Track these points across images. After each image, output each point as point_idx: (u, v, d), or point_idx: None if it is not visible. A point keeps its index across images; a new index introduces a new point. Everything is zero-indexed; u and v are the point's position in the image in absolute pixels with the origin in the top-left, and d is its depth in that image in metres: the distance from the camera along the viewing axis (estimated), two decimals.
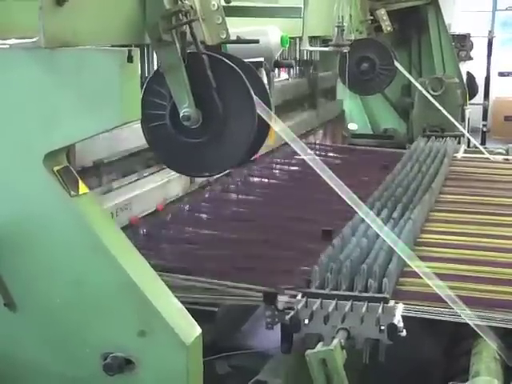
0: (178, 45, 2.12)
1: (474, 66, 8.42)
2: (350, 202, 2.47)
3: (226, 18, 2.33)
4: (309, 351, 2.09)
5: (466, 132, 5.58)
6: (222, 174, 3.45)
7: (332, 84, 5.56)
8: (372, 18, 5.58)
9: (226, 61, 2.26)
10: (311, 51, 4.98)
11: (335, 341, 2.13)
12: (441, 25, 6.40)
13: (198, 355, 1.97)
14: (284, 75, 4.93)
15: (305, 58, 5.06)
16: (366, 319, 2.22)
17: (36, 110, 1.87)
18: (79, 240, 1.92)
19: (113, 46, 1.99)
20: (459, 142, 5.24)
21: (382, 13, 5.60)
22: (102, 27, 1.99)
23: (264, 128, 2.42)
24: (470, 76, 7.70)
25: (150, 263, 2.03)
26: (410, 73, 5.90)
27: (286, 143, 2.56)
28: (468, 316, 2.27)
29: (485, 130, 8.54)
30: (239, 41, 2.48)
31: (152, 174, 3.06)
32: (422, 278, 2.44)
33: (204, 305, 2.45)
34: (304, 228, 3.15)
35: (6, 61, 1.87)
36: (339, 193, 2.44)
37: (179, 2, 2.10)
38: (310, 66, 5.16)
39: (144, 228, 2.90)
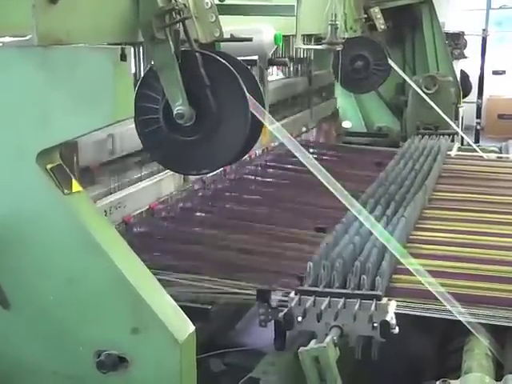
0: (171, 43, 2.12)
1: (468, 65, 8.44)
2: (343, 200, 2.48)
3: (220, 16, 2.33)
4: (302, 348, 2.10)
5: (459, 130, 5.59)
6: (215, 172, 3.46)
7: None
8: (366, 16, 5.58)
9: (220, 59, 2.26)
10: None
11: (328, 338, 2.14)
12: (435, 23, 6.40)
13: (191, 353, 1.98)
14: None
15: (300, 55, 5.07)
16: (358, 317, 2.23)
17: (29, 108, 1.87)
18: (72, 238, 1.92)
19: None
20: (453, 140, 5.25)
21: (375, 11, 5.59)
22: (96, 25, 1.98)
23: (257, 126, 2.42)
24: (463, 74, 7.71)
25: (143, 261, 2.04)
26: (403, 71, 5.90)
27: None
28: (460, 313, 2.29)
29: (478, 128, 8.56)
30: (233, 39, 2.47)
31: None
32: (414, 275, 2.45)
33: (198, 302, 2.45)
34: (297, 226, 3.16)
35: None
36: (332, 191, 2.45)
37: (172, 0, 2.10)
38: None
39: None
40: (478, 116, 8.62)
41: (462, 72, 7.73)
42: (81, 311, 1.95)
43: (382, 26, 5.64)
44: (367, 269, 2.41)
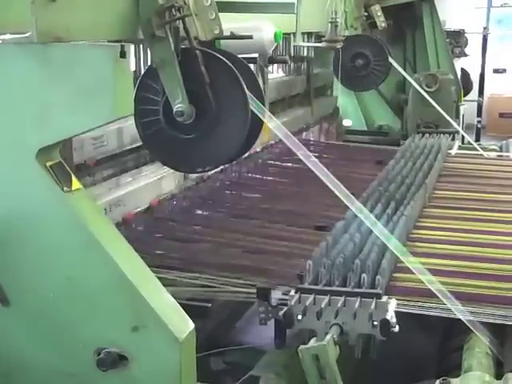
0: (171, 40, 2.11)
1: (469, 63, 8.43)
2: (343, 198, 2.48)
3: (220, 14, 2.33)
4: (301, 347, 2.10)
5: (460, 129, 5.58)
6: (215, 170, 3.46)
7: None
8: (366, 14, 5.57)
9: (220, 56, 2.25)
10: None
11: (328, 336, 2.14)
12: (435, 21, 6.40)
13: (191, 351, 1.98)
14: None
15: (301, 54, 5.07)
16: (358, 315, 2.22)
17: (28, 106, 1.86)
18: (72, 236, 1.92)
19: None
20: (453, 139, 5.25)
21: (376, 9, 5.58)
22: (95, 22, 1.98)
23: (257, 124, 2.41)
24: (464, 72, 7.70)
25: (143, 258, 2.03)
26: (404, 69, 5.90)
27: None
28: (460, 311, 2.28)
29: (479, 126, 8.56)
30: (233, 36, 2.47)
31: None
32: (415, 273, 2.45)
33: (197, 300, 2.45)
34: (297, 224, 3.15)
35: None
36: (333, 189, 2.45)
37: None
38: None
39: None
40: (479, 114, 8.61)
41: (463, 70, 7.72)
42: (81, 309, 1.95)
43: (383, 24, 5.63)
44: (367, 267, 2.40)
